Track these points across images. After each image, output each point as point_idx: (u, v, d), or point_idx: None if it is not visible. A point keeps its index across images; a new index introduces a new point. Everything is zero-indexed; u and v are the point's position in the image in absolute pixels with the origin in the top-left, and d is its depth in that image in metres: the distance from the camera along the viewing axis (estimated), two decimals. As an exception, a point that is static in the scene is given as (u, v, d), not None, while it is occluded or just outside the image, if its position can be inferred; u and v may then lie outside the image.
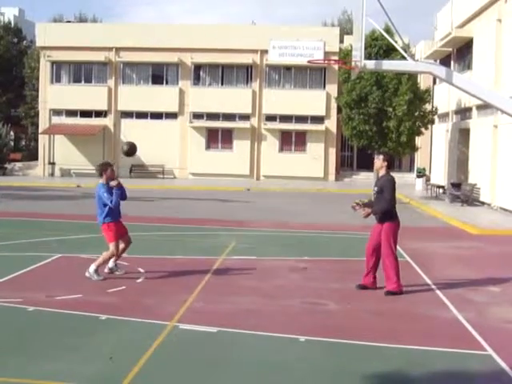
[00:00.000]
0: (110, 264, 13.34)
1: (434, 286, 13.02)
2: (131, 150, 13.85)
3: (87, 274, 12.80)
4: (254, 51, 50.02)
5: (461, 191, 32.59)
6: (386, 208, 12.15)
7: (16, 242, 17.63)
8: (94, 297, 11.53)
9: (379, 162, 12.50)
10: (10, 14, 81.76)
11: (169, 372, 8.08)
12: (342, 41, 50.62)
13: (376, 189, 12.41)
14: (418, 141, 43.67)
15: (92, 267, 12.83)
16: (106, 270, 13.29)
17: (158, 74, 51.91)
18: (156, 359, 8.42)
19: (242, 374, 8.09)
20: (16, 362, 8.24)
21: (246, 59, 50.12)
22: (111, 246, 12.95)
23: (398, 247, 12.52)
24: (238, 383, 7.82)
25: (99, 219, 13.04)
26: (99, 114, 51.85)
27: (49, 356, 8.51)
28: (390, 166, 12.66)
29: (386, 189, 12.15)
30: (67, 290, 11.86)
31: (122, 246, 13.25)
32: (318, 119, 50.47)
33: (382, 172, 12.49)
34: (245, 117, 50.89)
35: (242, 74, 51.36)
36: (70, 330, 9.72)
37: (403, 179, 47.72)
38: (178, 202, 31.72)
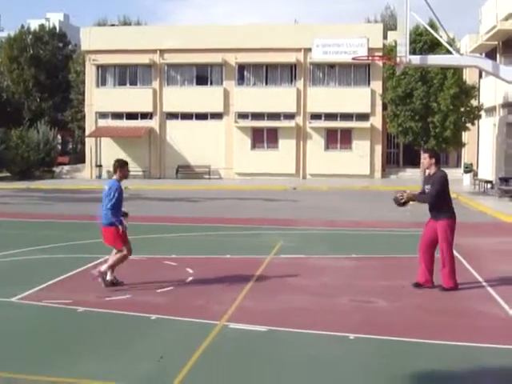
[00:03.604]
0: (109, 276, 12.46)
1: (484, 283, 12.87)
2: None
3: (96, 273, 12.31)
4: (298, 50, 49.96)
5: (509, 186, 32.20)
6: (428, 201, 12.06)
7: (67, 243, 17.83)
8: (143, 297, 11.59)
9: (427, 160, 12.24)
10: (55, 19, 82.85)
11: (219, 371, 8.10)
12: (385, 37, 50.27)
13: (428, 187, 12.11)
14: (465, 136, 43.22)
15: (103, 268, 12.32)
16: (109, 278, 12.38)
17: (203, 75, 52.07)
18: (206, 359, 8.44)
19: (291, 372, 8.07)
20: (66, 362, 8.33)
21: (289, 58, 50.08)
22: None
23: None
24: (287, 382, 7.81)
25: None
26: (145, 115, 52.21)
27: (99, 356, 8.59)
28: (438, 162, 12.40)
29: (434, 186, 11.96)
30: (117, 291, 11.94)
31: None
32: (363, 116, 50.25)
33: (433, 169, 12.20)
34: (290, 116, 50.85)
35: (286, 72, 51.33)
36: (120, 330, 9.80)
37: (450, 175, 47.06)
38: (224, 202, 31.82)
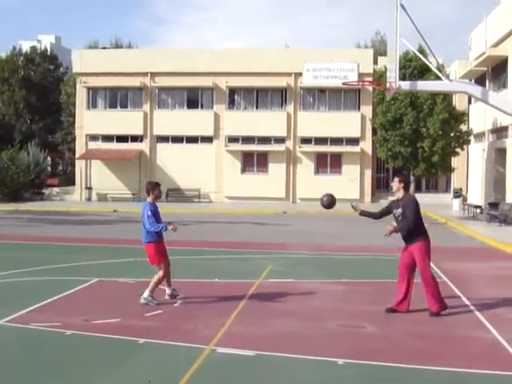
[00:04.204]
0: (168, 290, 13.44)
1: (472, 307, 12.89)
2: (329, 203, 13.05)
3: (142, 301, 12.80)
4: (288, 74, 50.19)
5: (498, 211, 32.29)
6: (408, 227, 12.15)
7: (54, 266, 17.77)
8: (131, 321, 11.56)
9: (396, 184, 12.54)
10: (46, 41, 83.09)
11: (207, 395, 8.09)
12: (375, 62, 50.57)
13: (399, 211, 12.34)
14: (455, 161, 43.40)
15: (146, 293, 12.88)
16: (167, 297, 13.33)
17: (193, 99, 52.21)
18: (194, 383, 8.41)
19: (280, 397, 8.06)
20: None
21: (280, 82, 50.27)
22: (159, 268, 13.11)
23: (435, 268, 12.43)
24: (276, 406, 7.80)
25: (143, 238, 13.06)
26: (135, 138, 52.26)
27: (86, 380, 8.55)
28: (408, 188, 12.72)
29: (408, 209, 12.16)
30: (105, 314, 11.90)
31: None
32: (353, 141, 50.42)
33: (401, 194, 12.47)
34: (280, 140, 50.97)
35: (276, 97, 51.52)
36: (108, 353, 9.77)
37: (439, 200, 47.46)
38: (214, 226, 31.80)
